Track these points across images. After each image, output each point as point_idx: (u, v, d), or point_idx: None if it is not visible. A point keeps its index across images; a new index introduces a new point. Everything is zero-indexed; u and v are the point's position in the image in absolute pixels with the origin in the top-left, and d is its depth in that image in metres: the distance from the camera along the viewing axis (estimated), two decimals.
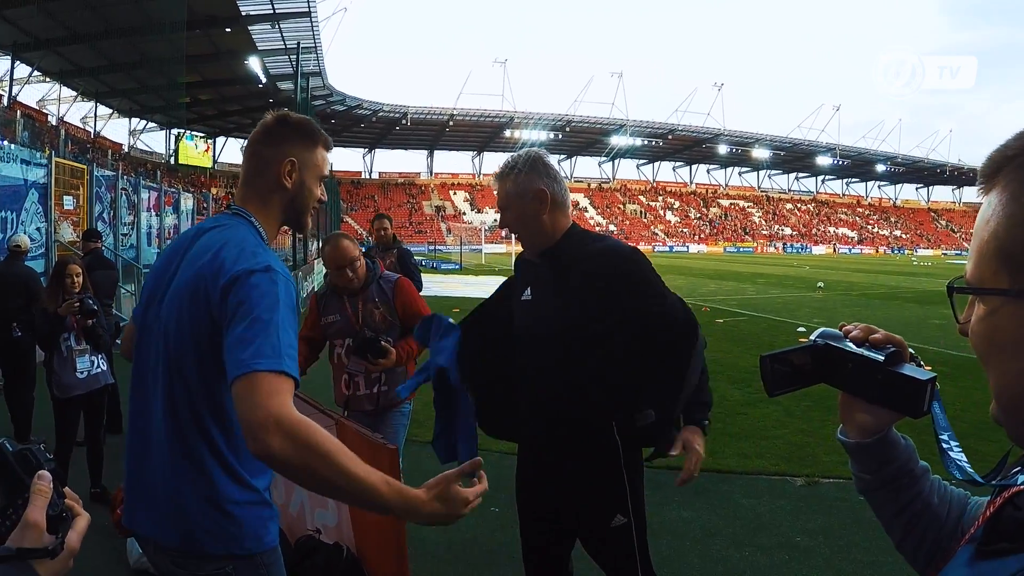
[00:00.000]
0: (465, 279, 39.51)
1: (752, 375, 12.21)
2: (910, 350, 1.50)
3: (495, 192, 3.50)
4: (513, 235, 3.55)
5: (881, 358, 1.46)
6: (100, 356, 6.97)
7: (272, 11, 52.83)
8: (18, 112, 52.28)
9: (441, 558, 5.63)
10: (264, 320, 2.19)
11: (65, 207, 18.39)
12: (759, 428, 8.98)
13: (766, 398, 9.65)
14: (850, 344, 1.51)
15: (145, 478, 2.43)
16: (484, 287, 32.92)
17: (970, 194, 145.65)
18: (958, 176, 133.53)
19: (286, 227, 2.72)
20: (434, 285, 33.77)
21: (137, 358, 2.53)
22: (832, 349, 1.53)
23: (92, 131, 74.30)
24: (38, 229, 16.58)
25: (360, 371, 5.27)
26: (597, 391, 3.20)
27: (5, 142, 15.51)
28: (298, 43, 31.78)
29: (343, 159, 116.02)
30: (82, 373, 6.73)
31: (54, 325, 6.66)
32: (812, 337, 1.58)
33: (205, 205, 35.20)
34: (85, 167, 19.68)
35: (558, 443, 3.35)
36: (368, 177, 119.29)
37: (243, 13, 52.54)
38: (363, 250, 5.52)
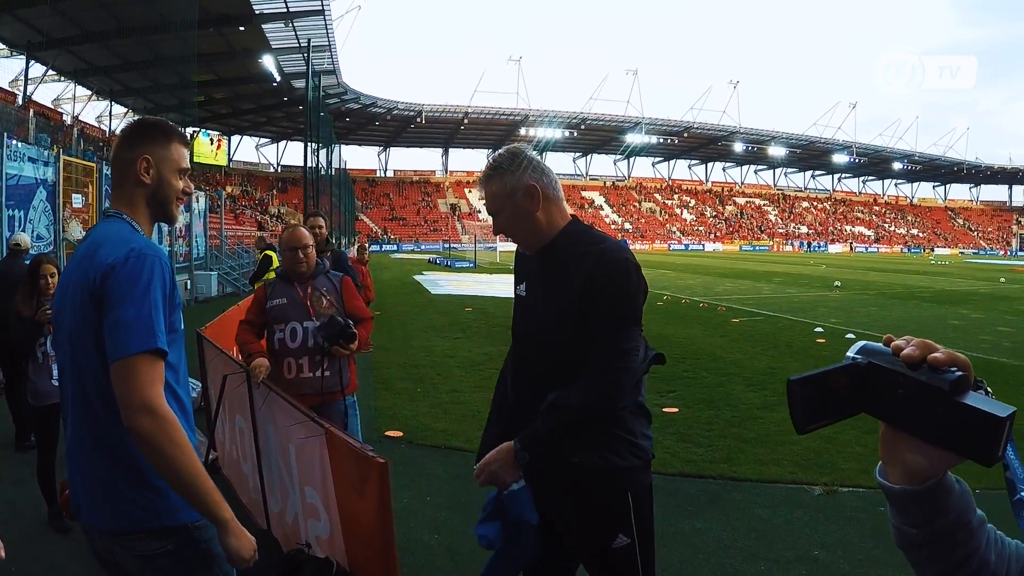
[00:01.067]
0: (479, 277, 39.41)
1: (768, 376, 12.00)
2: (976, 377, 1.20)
3: (481, 198, 3.26)
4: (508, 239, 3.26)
5: (944, 385, 1.13)
6: None
7: (286, 9, 52.83)
8: (31, 111, 52.36)
9: (441, 568, 5.40)
10: (137, 301, 2.42)
11: (75, 205, 18.33)
12: (775, 433, 8.70)
13: (783, 401, 9.42)
14: (901, 364, 1.19)
15: (77, 467, 2.62)
16: (498, 285, 32.84)
17: (988, 192, 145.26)
18: (975, 174, 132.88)
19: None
20: (448, 284, 33.74)
21: (57, 355, 2.82)
22: (878, 370, 1.20)
23: (107, 130, 74.47)
24: (47, 227, 16.53)
25: (305, 355, 5.44)
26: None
27: (14, 141, 15.38)
28: (309, 40, 31.67)
29: (358, 157, 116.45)
30: (58, 380, 6.32)
31: (30, 332, 6.35)
32: (851, 352, 1.25)
33: (219, 203, 35.08)
34: (95, 165, 19.58)
35: (553, 453, 3.01)
36: (383, 175, 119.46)
37: (256, 12, 52.56)
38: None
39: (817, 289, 31.76)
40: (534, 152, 3.24)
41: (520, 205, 3.09)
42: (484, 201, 3.18)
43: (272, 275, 6.22)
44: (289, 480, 4.81)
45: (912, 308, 23.99)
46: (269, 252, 17.64)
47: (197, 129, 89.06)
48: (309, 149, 28.50)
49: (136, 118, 3.06)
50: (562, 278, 3.01)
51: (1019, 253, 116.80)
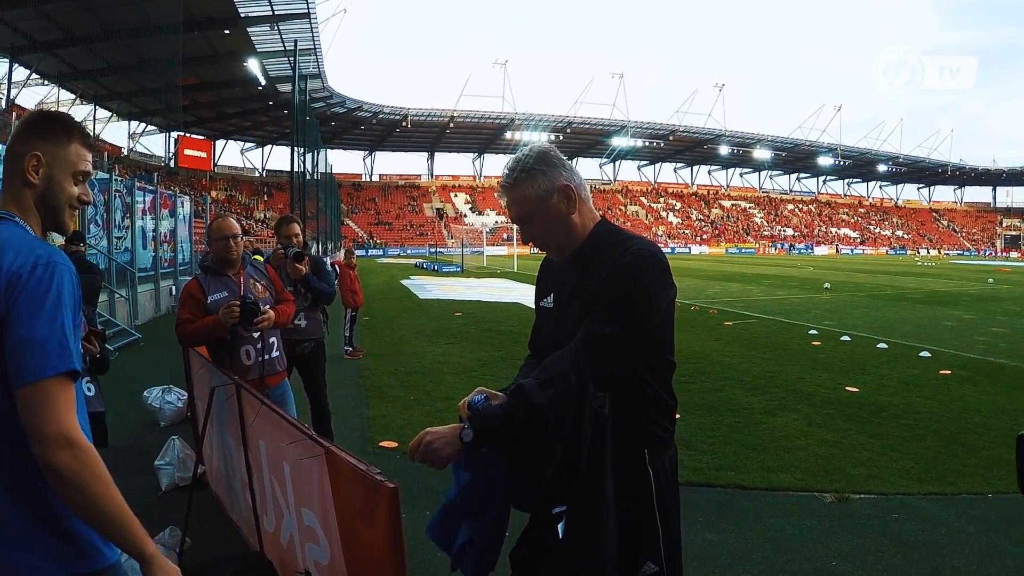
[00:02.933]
0: (467, 282, 39.27)
1: (768, 380, 11.85)
2: None
3: (505, 205, 2.94)
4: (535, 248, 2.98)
5: None
6: (86, 380, 5.87)
7: (271, 12, 52.58)
8: (14, 115, 51.96)
9: None
10: (48, 318, 2.15)
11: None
12: (780, 439, 8.51)
13: (784, 405, 9.26)
14: None
15: None
16: (485, 289, 32.71)
17: (971, 194, 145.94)
18: (959, 176, 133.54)
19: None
20: (436, 288, 33.54)
21: None
22: None
23: (92, 134, 74.07)
24: None
25: (251, 343, 5.63)
26: (625, 413, 2.65)
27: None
28: (295, 43, 31.39)
29: (343, 161, 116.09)
30: None
31: None
32: None
33: (204, 208, 34.79)
34: None
35: (586, 474, 2.63)
36: (369, 179, 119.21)
37: (242, 15, 52.31)
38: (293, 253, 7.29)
39: (807, 291, 31.72)
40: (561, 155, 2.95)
41: (555, 208, 2.83)
42: (510, 208, 2.90)
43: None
44: (284, 501, 4.49)
45: (904, 310, 23.91)
46: (256, 258, 17.40)
47: (183, 133, 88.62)
48: (296, 153, 28.26)
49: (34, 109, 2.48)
50: (597, 280, 2.74)
51: (986, 253, 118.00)
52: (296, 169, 28.27)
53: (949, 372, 12.55)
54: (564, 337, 2.73)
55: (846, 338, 16.33)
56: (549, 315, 2.96)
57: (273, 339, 5.80)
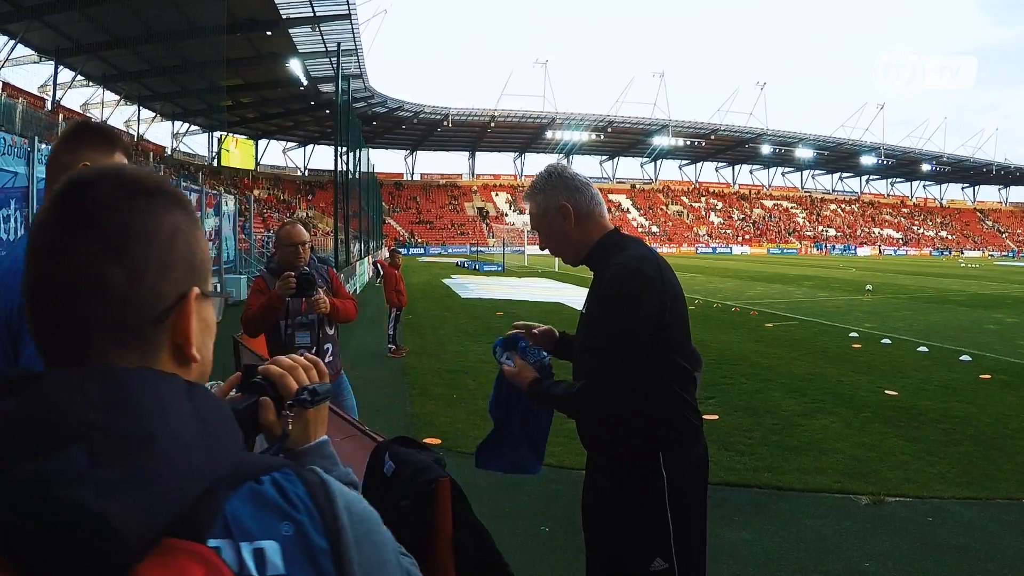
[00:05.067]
0: (508, 281, 39.43)
1: (807, 383, 11.90)
2: None
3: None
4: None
5: None
6: None
7: (312, 14, 53.03)
8: (60, 116, 52.75)
9: None
10: None
11: None
12: (818, 441, 8.60)
13: (823, 408, 9.37)
14: None
15: None
16: (527, 289, 32.79)
17: (1017, 194, 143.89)
18: (1004, 175, 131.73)
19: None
20: (478, 287, 33.69)
21: None
22: None
23: (135, 135, 74.94)
24: None
25: (307, 344, 5.68)
26: (637, 416, 2.95)
27: (44, 145, 15.44)
28: (338, 44, 31.61)
29: (384, 161, 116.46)
30: None
31: None
32: None
33: (247, 207, 35.20)
34: None
35: (598, 468, 3.18)
36: (410, 179, 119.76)
37: (283, 16, 52.85)
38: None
39: (848, 293, 31.54)
40: (570, 170, 3.35)
41: (554, 224, 3.21)
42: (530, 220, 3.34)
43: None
44: None
45: (947, 312, 23.74)
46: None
47: (224, 133, 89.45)
48: (339, 153, 28.53)
49: (77, 120, 2.72)
50: (592, 292, 3.13)
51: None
52: (339, 169, 28.52)
53: (989, 377, 12.51)
54: (579, 338, 3.15)
55: (887, 341, 16.30)
56: (581, 318, 3.22)
57: (328, 345, 5.85)
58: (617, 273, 2.95)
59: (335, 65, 30.68)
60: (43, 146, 15.71)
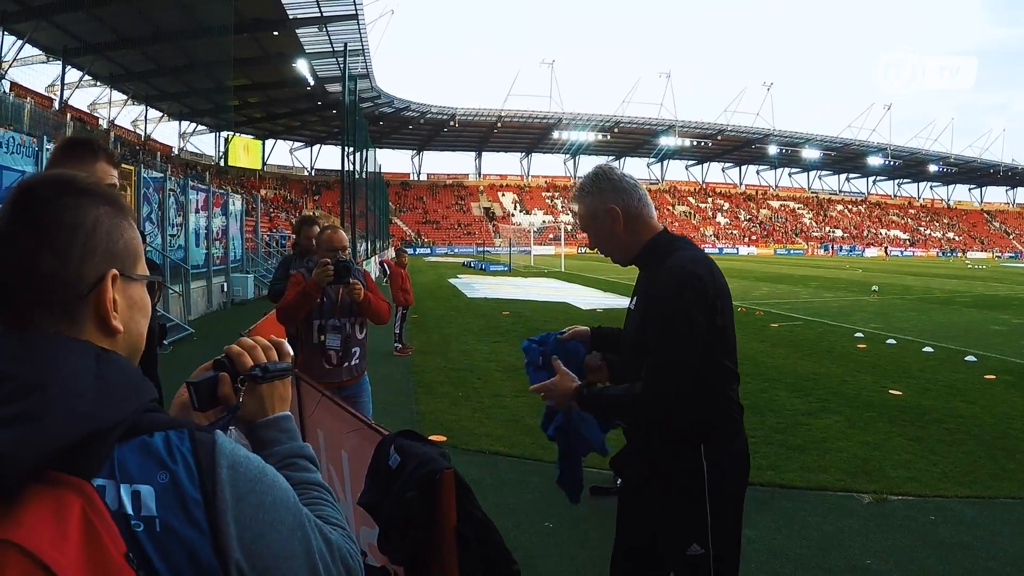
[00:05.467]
0: (514, 280, 39.49)
1: (811, 382, 11.94)
2: None
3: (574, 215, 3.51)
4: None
5: None
6: None
7: (319, 14, 53.14)
8: (68, 115, 52.89)
9: None
10: None
11: None
12: (821, 440, 8.65)
13: (827, 407, 9.40)
14: None
15: None
16: (534, 289, 32.82)
17: None
18: (1012, 176, 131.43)
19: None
20: (484, 287, 33.73)
21: None
22: None
23: (142, 134, 75.11)
24: None
25: (337, 347, 5.76)
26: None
27: (52, 144, 15.52)
28: (345, 45, 31.65)
29: (391, 160, 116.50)
30: None
31: None
32: None
33: (254, 206, 35.29)
34: (132, 168, 19.75)
35: (638, 459, 3.28)
36: (416, 179, 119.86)
37: (290, 16, 52.93)
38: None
39: (854, 293, 31.54)
40: (618, 171, 3.39)
41: (603, 226, 3.27)
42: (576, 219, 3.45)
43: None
44: (340, 486, 4.76)
45: (952, 313, 23.75)
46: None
47: (232, 133, 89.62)
48: (346, 153, 28.60)
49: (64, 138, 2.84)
50: (639, 293, 3.25)
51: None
52: (346, 169, 28.60)
53: (994, 377, 12.53)
54: (629, 334, 3.29)
55: (892, 341, 16.32)
56: (629, 315, 3.35)
57: (356, 348, 5.91)
58: (673, 275, 3.03)
59: (342, 65, 30.78)
60: (51, 145, 15.79)
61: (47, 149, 15.27)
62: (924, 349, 15.28)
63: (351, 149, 29.79)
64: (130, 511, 1.15)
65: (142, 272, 1.41)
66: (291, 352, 1.71)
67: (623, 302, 25.76)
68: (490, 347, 15.52)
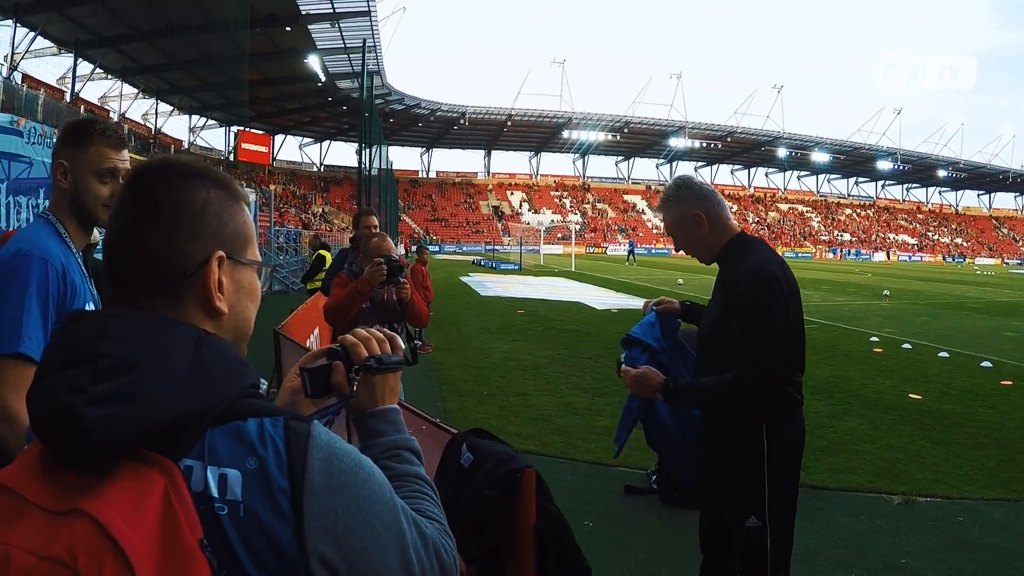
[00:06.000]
0: (525, 279, 39.51)
1: (832, 385, 12.01)
2: None
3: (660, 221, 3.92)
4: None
5: None
6: None
7: (332, 10, 53.30)
8: (81, 108, 53.03)
9: None
10: (9, 301, 2.42)
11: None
12: (847, 442, 8.74)
13: (850, 410, 9.48)
14: None
15: None
16: (546, 288, 32.86)
17: None
18: (1021, 183, 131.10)
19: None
20: (496, 286, 33.76)
21: None
22: None
23: (153, 128, 75.30)
24: None
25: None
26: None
27: None
28: (364, 41, 31.70)
29: (401, 158, 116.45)
30: None
31: None
32: None
33: (266, 202, 35.36)
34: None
35: (711, 441, 3.55)
36: (425, 176, 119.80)
37: (303, 12, 53.06)
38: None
39: (866, 298, 31.55)
40: (697, 180, 3.79)
41: (689, 231, 3.61)
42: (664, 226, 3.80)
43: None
44: None
45: (964, 319, 23.79)
46: (323, 252, 17.76)
47: (242, 127, 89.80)
48: (363, 149, 28.66)
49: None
50: (719, 290, 3.56)
51: None
52: (364, 165, 28.69)
53: (1011, 383, 12.59)
54: (704, 329, 3.66)
55: (907, 346, 16.38)
56: (706, 311, 3.75)
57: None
58: (752, 274, 3.33)
59: (361, 61, 30.99)
60: None
61: None
62: (940, 354, 15.33)
63: (367, 146, 29.88)
64: (215, 494, 1.17)
65: (253, 257, 1.45)
66: (403, 345, 1.75)
67: (637, 303, 25.74)
68: (509, 346, 15.60)
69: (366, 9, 53.87)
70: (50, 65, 56.54)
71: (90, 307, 2.67)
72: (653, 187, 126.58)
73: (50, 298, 2.50)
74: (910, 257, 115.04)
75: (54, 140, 12.12)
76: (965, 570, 5.56)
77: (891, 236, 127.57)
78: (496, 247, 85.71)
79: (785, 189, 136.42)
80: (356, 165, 30.46)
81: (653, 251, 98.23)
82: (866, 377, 12.88)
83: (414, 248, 23.92)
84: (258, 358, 12.05)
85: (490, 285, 34.25)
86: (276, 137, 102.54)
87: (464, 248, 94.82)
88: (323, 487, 1.23)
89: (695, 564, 3.75)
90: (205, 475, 1.18)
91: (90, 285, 2.79)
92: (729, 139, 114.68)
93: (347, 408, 1.63)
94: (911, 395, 11.41)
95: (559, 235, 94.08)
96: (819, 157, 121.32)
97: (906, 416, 10.05)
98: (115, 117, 66.22)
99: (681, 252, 3.82)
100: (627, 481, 6.98)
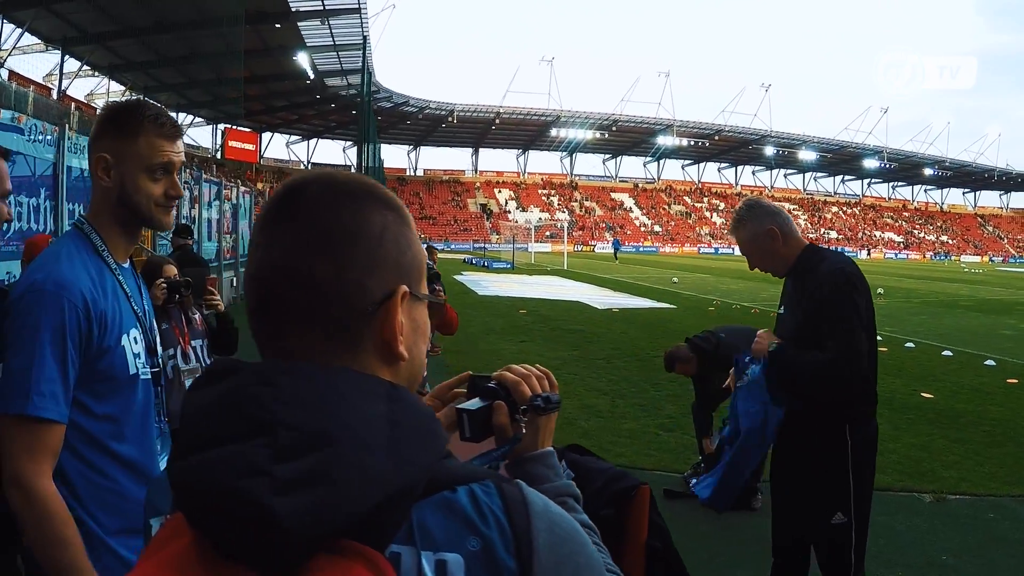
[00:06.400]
0: (520, 278, 39.48)
1: None
2: None
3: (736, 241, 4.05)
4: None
5: None
6: None
7: (322, 7, 53.11)
8: (72, 105, 52.77)
9: None
10: (21, 350, 2.10)
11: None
12: None
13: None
14: None
15: None
16: (543, 287, 32.92)
17: (1018, 200, 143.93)
18: (1006, 181, 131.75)
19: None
20: (492, 285, 33.75)
21: None
22: None
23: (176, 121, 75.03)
24: None
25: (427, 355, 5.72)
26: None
27: (72, 134, 15.48)
28: (365, 38, 31.79)
29: (388, 156, 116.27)
30: None
31: None
32: None
33: (260, 200, 35.30)
34: None
35: (792, 438, 3.75)
36: (413, 174, 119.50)
37: (293, 9, 52.87)
38: None
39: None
40: (764, 199, 4.09)
41: (764, 246, 3.86)
42: (738, 246, 4.03)
43: None
44: None
45: (959, 317, 24.04)
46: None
47: (229, 125, 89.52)
48: (364, 147, 28.69)
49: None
50: (800, 297, 3.73)
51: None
52: (354, 163, 28.74)
53: (1016, 381, 12.77)
54: (784, 333, 3.86)
55: (910, 345, 16.53)
56: (781, 319, 3.97)
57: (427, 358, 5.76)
58: (835, 275, 3.61)
59: (350, 59, 30.79)
60: (72, 134, 15.72)
61: (68, 138, 15.26)
62: (943, 353, 15.53)
63: (359, 141, 29.91)
64: None
65: (424, 290, 1.22)
66: (556, 381, 1.58)
67: (637, 302, 25.90)
68: (517, 347, 15.65)
69: (356, 6, 53.73)
70: (37, 62, 56.15)
71: (136, 332, 2.38)
72: (640, 185, 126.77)
73: (68, 341, 2.14)
74: (896, 255, 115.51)
75: (55, 137, 12.03)
76: (1001, 565, 5.75)
77: (877, 234, 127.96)
78: (485, 245, 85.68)
79: (772, 187, 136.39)
80: (344, 163, 30.76)
81: (641, 248, 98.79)
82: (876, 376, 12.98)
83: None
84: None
85: (486, 284, 34.21)
86: (263, 135, 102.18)
87: (452, 246, 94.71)
88: (550, 561, 1.04)
89: (743, 567, 3.86)
90: (418, 562, 0.98)
91: (140, 302, 2.47)
92: (717, 137, 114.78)
93: (510, 451, 1.47)
94: (923, 394, 11.57)
95: (547, 233, 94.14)
96: (806, 155, 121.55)
97: (922, 415, 10.22)
98: None
99: (756, 269, 4.01)
100: (665, 485, 7.08)
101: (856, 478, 3.61)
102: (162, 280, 5.04)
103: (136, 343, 2.37)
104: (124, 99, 2.47)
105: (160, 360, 2.54)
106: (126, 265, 2.45)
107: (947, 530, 6.33)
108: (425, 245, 9.43)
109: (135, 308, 2.41)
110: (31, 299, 2.14)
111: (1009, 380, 12.85)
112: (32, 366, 2.06)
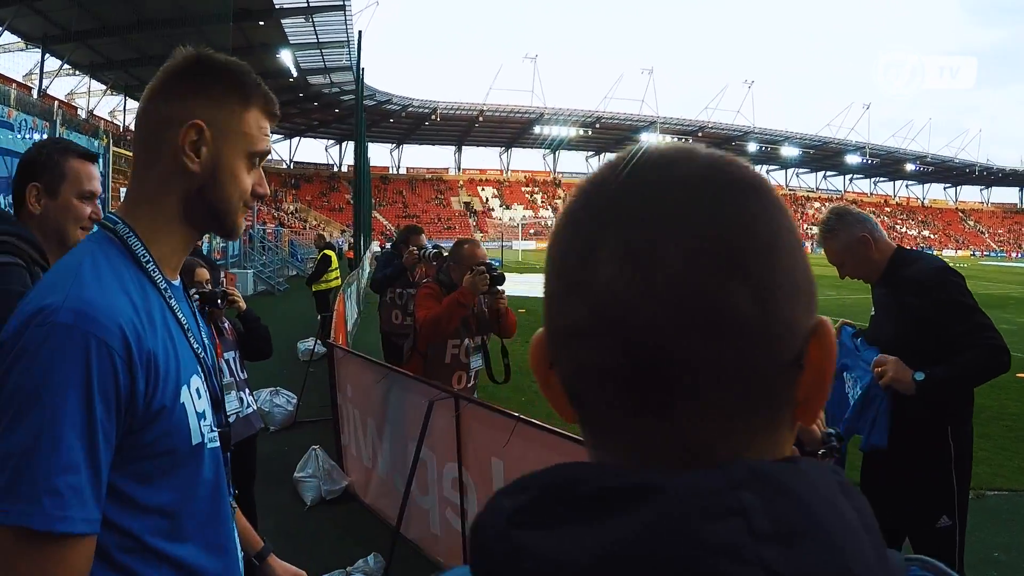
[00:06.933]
0: (511, 276, 38.96)
1: None
2: None
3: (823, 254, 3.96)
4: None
5: None
6: (248, 391, 5.06)
7: (306, 4, 52.79)
8: (56, 104, 52.33)
9: None
10: (16, 420, 1.28)
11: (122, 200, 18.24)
12: None
13: None
14: None
15: None
16: (537, 286, 32.51)
17: (999, 195, 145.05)
18: (987, 176, 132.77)
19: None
20: None
21: None
22: None
23: (121, 125, 74.58)
24: None
25: (479, 367, 5.65)
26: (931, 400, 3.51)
27: (64, 130, 15.23)
28: (360, 33, 31.26)
29: (371, 154, 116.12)
30: (230, 416, 4.19)
31: None
32: None
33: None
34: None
35: (895, 447, 3.60)
36: (396, 172, 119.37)
37: (277, 6, 52.52)
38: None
39: (854, 292, 31.53)
40: (851, 207, 4.04)
41: (858, 254, 3.84)
42: (827, 256, 3.95)
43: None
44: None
45: None
46: (328, 252, 17.45)
47: None
48: (360, 147, 28.56)
49: (189, 51, 1.64)
50: (897, 300, 3.73)
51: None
52: (349, 163, 28.66)
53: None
54: (882, 337, 3.75)
55: None
56: (876, 324, 3.95)
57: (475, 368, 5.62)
58: (934, 274, 3.64)
59: (358, 54, 30.49)
60: (63, 130, 15.46)
61: (59, 134, 15.03)
62: None
63: (340, 142, 29.74)
64: None
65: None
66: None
67: None
68: (524, 348, 15.41)
69: (341, 3, 53.47)
70: (17, 60, 55.57)
71: (198, 382, 1.57)
72: None
73: (98, 402, 1.32)
74: None
75: (48, 133, 11.70)
76: None
77: None
78: None
79: None
80: (326, 162, 30.40)
81: None
82: None
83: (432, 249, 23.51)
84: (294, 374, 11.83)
85: None
86: None
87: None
88: None
89: None
90: None
91: (198, 334, 1.67)
92: (700, 134, 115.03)
93: None
94: None
95: (531, 231, 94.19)
96: (789, 151, 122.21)
97: None
98: (83, 114, 65.45)
99: (847, 277, 4.00)
100: None
101: (959, 481, 3.60)
102: (194, 291, 4.40)
103: (199, 396, 1.56)
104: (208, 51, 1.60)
105: (227, 416, 1.74)
106: (176, 283, 1.66)
107: (993, 527, 6.28)
108: (431, 245, 9.21)
109: (193, 345, 1.61)
110: (37, 337, 1.31)
111: (1019, 375, 12.75)
112: (38, 448, 1.25)
